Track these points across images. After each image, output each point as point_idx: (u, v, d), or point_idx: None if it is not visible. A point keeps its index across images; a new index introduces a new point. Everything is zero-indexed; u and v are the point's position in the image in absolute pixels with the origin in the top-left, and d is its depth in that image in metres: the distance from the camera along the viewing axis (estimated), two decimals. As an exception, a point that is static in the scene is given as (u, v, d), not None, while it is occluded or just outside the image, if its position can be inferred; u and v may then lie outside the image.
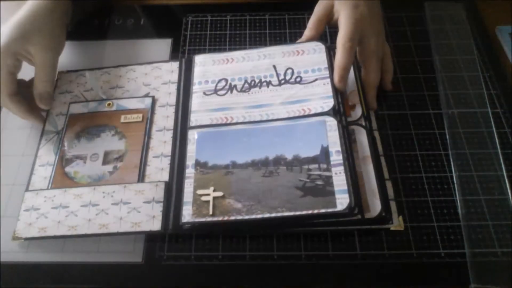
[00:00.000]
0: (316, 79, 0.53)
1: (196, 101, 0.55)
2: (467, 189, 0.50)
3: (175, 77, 0.59)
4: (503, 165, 0.51)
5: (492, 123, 0.55)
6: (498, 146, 0.53)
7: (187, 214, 0.47)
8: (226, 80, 0.56)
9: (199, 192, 0.48)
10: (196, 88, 0.56)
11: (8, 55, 0.52)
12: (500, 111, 0.56)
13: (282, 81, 0.54)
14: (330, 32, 0.64)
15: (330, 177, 0.46)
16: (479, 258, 0.46)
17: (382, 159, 0.51)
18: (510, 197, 0.49)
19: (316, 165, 0.47)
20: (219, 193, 0.47)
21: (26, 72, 0.55)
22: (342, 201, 0.44)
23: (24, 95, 0.55)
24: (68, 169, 0.53)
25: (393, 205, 0.48)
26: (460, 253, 0.47)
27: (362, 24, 0.53)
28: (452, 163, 0.52)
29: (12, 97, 0.53)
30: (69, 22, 0.62)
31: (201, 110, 0.54)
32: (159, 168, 0.52)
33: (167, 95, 0.57)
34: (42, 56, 0.53)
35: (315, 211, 0.44)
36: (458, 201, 0.50)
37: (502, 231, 0.47)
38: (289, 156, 0.49)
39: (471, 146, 0.53)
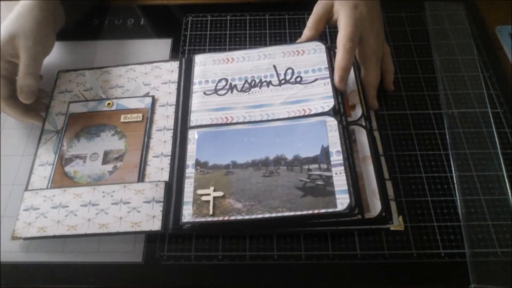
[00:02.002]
0: (316, 79, 0.53)
1: (196, 100, 0.55)
2: (467, 189, 0.50)
3: (175, 76, 0.59)
4: (503, 165, 0.51)
5: (492, 123, 0.55)
6: (498, 146, 0.53)
7: (187, 214, 0.47)
8: (226, 80, 0.56)
9: (199, 192, 0.48)
10: (196, 87, 0.56)
11: None
12: (500, 111, 0.56)
13: (282, 81, 0.54)
14: (330, 32, 0.65)
15: (330, 177, 0.46)
16: (479, 258, 0.46)
17: (382, 159, 0.51)
18: (510, 197, 0.49)
19: (316, 165, 0.47)
20: (219, 193, 0.47)
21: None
22: (342, 201, 0.44)
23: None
24: (67, 168, 0.53)
25: (393, 205, 0.48)
26: (460, 253, 0.47)
27: (361, 24, 0.53)
28: (452, 163, 0.52)
29: (6, 100, 0.53)
30: (61, 21, 0.61)
31: (201, 110, 0.54)
32: (159, 168, 0.52)
33: (167, 95, 0.57)
34: (25, 49, 0.53)
35: (315, 211, 0.44)
36: (458, 201, 0.50)
37: (502, 231, 0.47)
38: (289, 156, 0.49)
39: (471, 146, 0.53)
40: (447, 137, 0.54)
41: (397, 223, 0.47)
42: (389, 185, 0.49)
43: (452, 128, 0.55)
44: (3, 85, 0.53)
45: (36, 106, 0.57)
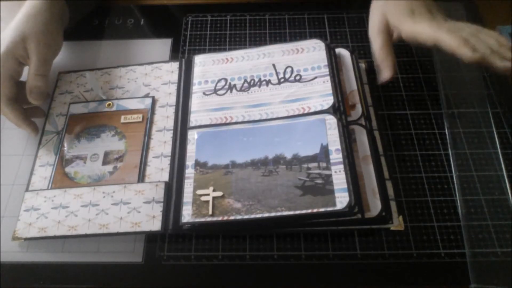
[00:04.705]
0: (315, 77, 0.53)
1: (196, 101, 0.55)
2: (467, 189, 0.50)
3: (175, 77, 0.59)
4: (503, 165, 0.51)
5: (492, 123, 0.55)
6: (498, 146, 0.53)
7: (187, 214, 0.47)
8: (226, 80, 0.56)
9: (199, 192, 0.48)
10: (196, 88, 0.56)
11: (9, 58, 0.52)
12: (500, 111, 0.56)
13: (282, 80, 0.54)
14: (330, 32, 0.65)
15: (330, 175, 0.46)
16: (479, 258, 0.46)
17: (382, 159, 0.51)
18: (510, 197, 0.49)
19: (315, 164, 0.47)
20: (219, 193, 0.47)
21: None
22: (341, 199, 0.44)
23: (22, 101, 0.54)
24: (68, 169, 0.53)
25: (393, 205, 0.48)
26: (460, 253, 0.47)
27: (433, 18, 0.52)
28: (452, 163, 0.52)
29: (9, 101, 0.53)
30: (66, 22, 0.62)
31: (200, 110, 0.54)
32: (159, 168, 0.52)
33: (167, 95, 0.57)
34: (35, 51, 0.53)
35: (315, 210, 0.44)
36: (458, 201, 0.50)
37: (502, 231, 0.47)
38: (288, 155, 0.49)
39: (471, 146, 0.53)
40: (447, 137, 0.54)
41: (397, 223, 0.47)
42: (389, 185, 0.49)
43: (452, 128, 0.54)
44: (8, 85, 0.53)
45: (35, 112, 0.57)
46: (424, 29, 0.51)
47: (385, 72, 0.54)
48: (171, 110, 0.56)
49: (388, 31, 0.55)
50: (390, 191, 0.49)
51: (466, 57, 0.49)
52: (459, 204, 0.49)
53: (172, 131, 0.54)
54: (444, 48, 0.50)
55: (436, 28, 0.51)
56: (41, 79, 0.54)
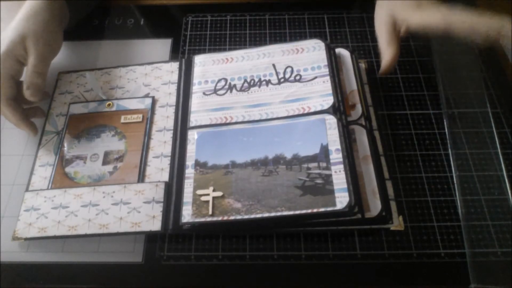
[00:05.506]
0: (315, 77, 0.53)
1: (195, 101, 0.55)
2: (467, 189, 0.50)
3: (175, 77, 0.59)
4: (503, 165, 0.51)
5: (492, 123, 0.55)
6: (498, 146, 0.53)
7: (187, 214, 0.47)
8: (226, 80, 0.56)
9: (199, 192, 0.48)
10: (195, 88, 0.56)
11: (9, 58, 0.53)
12: (500, 111, 0.56)
13: (282, 80, 0.54)
14: (330, 32, 0.65)
15: (330, 175, 0.46)
16: (479, 258, 0.46)
17: (382, 159, 0.51)
18: (510, 197, 0.49)
19: (315, 164, 0.47)
20: (219, 193, 0.47)
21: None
22: (341, 199, 0.44)
23: (21, 101, 0.55)
24: (68, 169, 0.53)
25: (393, 205, 0.48)
26: (460, 253, 0.47)
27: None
28: (452, 163, 0.52)
29: (8, 101, 0.53)
30: (66, 22, 0.62)
31: (200, 110, 0.54)
32: (159, 168, 0.52)
33: (167, 96, 0.57)
34: (35, 49, 0.53)
35: (315, 210, 0.44)
36: (458, 201, 0.50)
37: (502, 231, 0.47)
38: (288, 155, 0.49)
39: (471, 146, 0.53)
40: (447, 137, 0.54)
41: (397, 223, 0.47)
42: (389, 185, 0.49)
43: (452, 128, 0.54)
44: (8, 85, 0.53)
45: (35, 112, 0.57)
46: (434, 16, 0.50)
47: (386, 56, 0.53)
48: (171, 110, 0.56)
49: (395, 28, 0.54)
50: (390, 191, 0.49)
51: (481, 38, 0.47)
52: (459, 204, 0.49)
53: (172, 131, 0.54)
54: (457, 32, 0.49)
55: (446, 13, 0.49)
56: (39, 76, 0.54)
